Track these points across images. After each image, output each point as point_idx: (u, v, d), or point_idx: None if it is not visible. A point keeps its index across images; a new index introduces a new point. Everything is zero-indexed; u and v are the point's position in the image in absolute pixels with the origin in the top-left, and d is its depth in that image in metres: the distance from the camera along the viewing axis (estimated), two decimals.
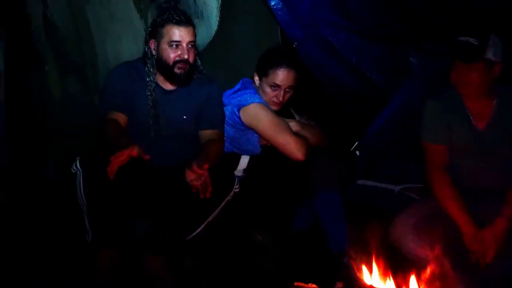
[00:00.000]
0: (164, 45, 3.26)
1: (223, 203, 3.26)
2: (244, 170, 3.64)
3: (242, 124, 3.55)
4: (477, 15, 3.50)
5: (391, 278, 3.05)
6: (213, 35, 4.12)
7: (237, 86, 3.67)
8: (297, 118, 3.80)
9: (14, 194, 4.01)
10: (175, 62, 3.26)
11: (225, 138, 3.56)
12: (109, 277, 3.04)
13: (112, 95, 3.35)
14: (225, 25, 4.19)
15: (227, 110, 3.57)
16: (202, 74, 3.45)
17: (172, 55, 3.26)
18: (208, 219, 3.22)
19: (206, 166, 3.06)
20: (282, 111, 3.67)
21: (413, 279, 3.01)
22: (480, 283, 2.99)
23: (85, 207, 3.09)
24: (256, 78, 3.64)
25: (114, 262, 3.07)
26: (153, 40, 3.31)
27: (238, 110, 3.54)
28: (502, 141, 3.20)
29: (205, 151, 3.29)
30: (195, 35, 3.30)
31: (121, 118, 3.30)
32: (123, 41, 4.26)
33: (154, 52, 3.32)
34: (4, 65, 4.15)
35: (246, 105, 3.52)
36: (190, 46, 3.27)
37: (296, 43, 4.00)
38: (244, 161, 3.63)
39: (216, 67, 4.13)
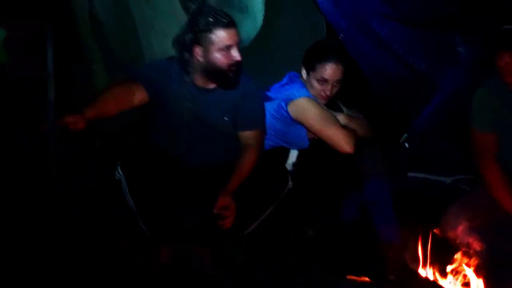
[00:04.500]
0: (215, 52, 3.07)
1: (277, 201, 3.27)
2: (293, 164, 3.65)
3: (290, 118, 3.54)
4: None
5: (446, 270, 3.05)
6: (258, 29, 4.12)
7: (284, 80, 3.66)
8: (345, 111, 3.79)
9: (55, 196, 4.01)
10: (229, 66, 3.09)
11: (272, 132, 3.58)
12: (165, 271, 3.11)
13: (142, 74, 3.25)
14: (270, 19, 4.18)
15: (274, 104, 3.57)
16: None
17: (226, 60, 3.07)
18: (262, 217, 3.24)
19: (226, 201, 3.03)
20: (330, 104, 3.67)
21: (469, 271, 3.00)
22: None
23: (134, 208, 3.14)
24: (304, 72, 3.62)
25: (170, 256, 3.14)
26: (198, 47, 3.10)
27: (286, 104, 3.53)
28: None
29: (238, 168, 3.16)
30: None
31: (140, 90, 3.18)
32: (169, 36, 4.27)
33: (201, 59, 3.11)
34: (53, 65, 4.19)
35: (294, 99, 3.52)
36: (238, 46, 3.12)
37: (342, 35, 3.96)
38: (293, 155, 3.64)
39: (262, 61, 4.13)
